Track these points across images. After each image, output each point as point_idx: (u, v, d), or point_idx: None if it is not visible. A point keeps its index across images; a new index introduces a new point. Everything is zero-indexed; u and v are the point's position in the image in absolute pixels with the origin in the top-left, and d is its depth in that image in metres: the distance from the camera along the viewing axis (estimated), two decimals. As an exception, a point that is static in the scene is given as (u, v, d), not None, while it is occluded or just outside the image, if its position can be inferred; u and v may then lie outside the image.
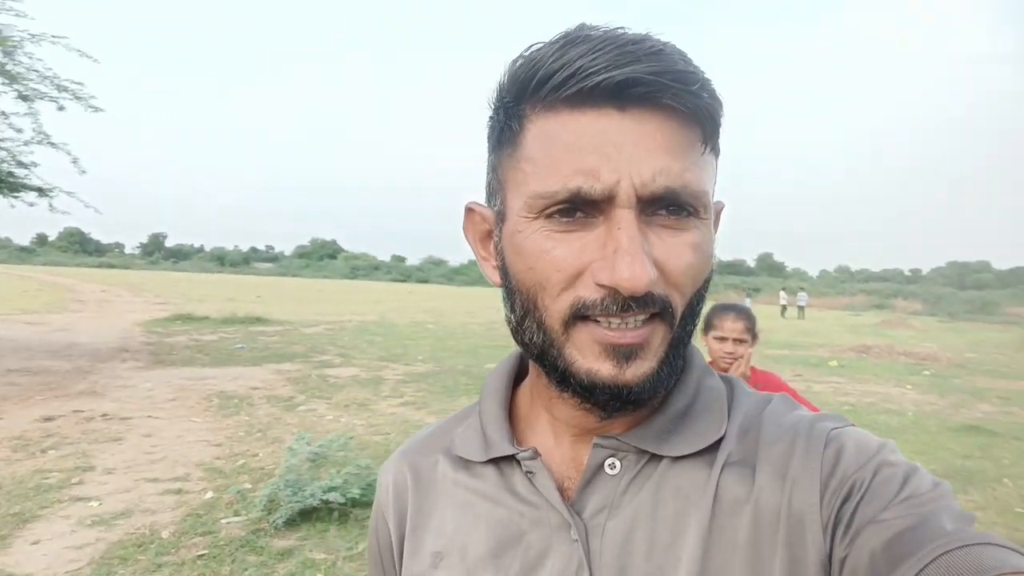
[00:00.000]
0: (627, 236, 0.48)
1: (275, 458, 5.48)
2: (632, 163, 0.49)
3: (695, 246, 0.52)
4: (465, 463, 0.65)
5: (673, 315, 0.52)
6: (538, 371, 0.59)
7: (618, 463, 0.57)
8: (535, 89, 0.51)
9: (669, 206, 0.51)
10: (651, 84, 0.48)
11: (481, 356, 12.86)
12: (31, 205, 12.48)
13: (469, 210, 0.62)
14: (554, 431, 0.62)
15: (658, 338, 0.52)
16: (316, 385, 9.20)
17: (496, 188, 0.57)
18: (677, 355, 0.54)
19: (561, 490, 0.58)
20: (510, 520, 0.60)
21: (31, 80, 10.28)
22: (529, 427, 0.64)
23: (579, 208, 0.50)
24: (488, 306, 31.68)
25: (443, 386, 9.44)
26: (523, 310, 0.54)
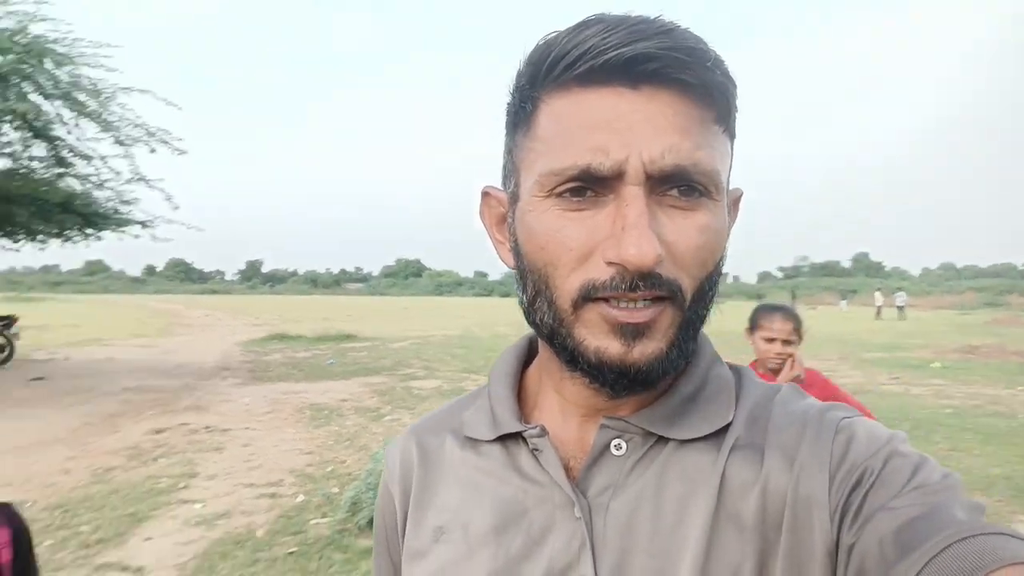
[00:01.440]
0: (635, 212, 0.48)
1: (361, 464, 5.72)
2: (642, 140, 0.48)
3: (705, 227, 0.51)
4: (473, 442, 0.64)
5: (683, 298, 0.51)
6: (548, 351, 0.59)
7: (624, 444, 0.57)
8: (548, 69, 0.51)
9: (680, 185, 0.50)
10: (662, 59, 0.47)
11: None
12: (136, 237, 13.72)
13: (485, 194, 0.63)
14: (562, 411, 0.61)
15: (667, 319, 0.51)
16: (401, 397, 9.50)
17: (511, 170, 0.57)
18: (687, 337, 0.53)
19: (567, 469, 0.58)
20: (514, 497, 0.59)
21: (124, 127, 11.24)
22: (537, 407, 0.64)
23: (589, 187, 0.50)
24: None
25: (523, 395, 9.53)
26: (534, 290, 0.54)
